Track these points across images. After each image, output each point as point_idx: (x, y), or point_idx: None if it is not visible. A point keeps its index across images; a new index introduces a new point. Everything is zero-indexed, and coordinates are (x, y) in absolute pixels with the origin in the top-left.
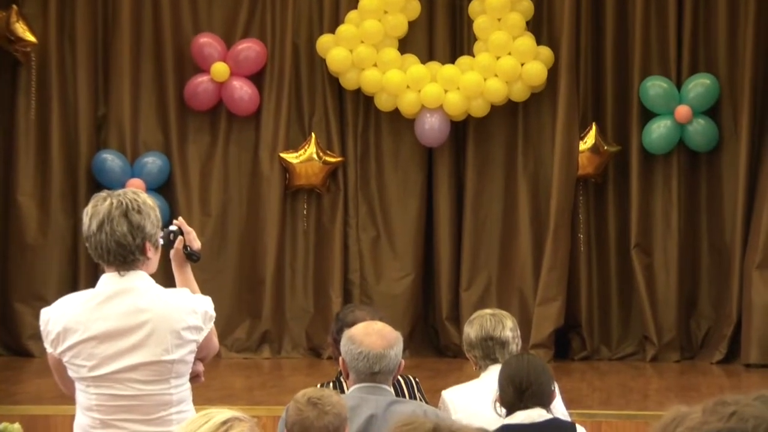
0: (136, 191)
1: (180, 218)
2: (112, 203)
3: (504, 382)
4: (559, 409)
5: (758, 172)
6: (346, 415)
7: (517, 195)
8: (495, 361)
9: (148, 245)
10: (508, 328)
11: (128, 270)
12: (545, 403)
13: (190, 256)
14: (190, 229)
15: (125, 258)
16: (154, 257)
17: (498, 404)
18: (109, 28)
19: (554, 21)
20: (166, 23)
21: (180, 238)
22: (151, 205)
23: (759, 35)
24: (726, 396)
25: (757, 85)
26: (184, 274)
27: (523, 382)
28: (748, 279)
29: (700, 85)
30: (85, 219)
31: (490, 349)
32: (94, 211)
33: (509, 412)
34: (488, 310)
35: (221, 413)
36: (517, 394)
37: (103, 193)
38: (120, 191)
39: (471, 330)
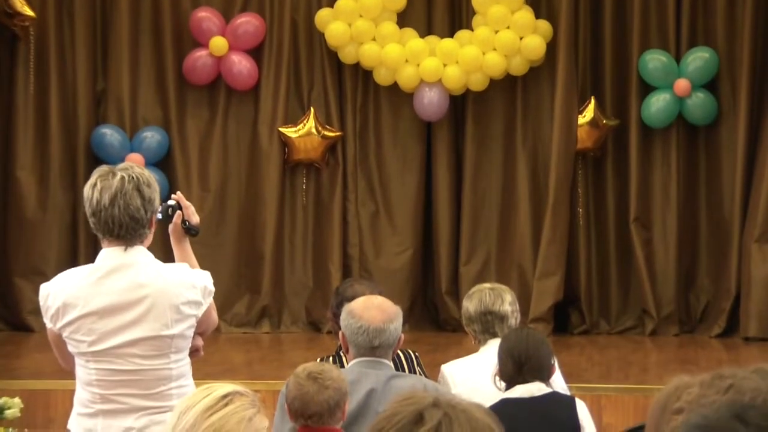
0: (136, 165)
1: (178, 193)
2: (123, 177)
3: (503, 355)
4: (558, 383)
5: (757, 146)
6: (347, 389)
7: (516, 169)
8: (494, 335)
9: (153, 219)
10: (507, 302)
11: (134, 245)
12: (544, 377)
13: (189, 230)
14: (188, 204)
15: (136, 231)
16: (151, 232)
17: (497, 378)
18: (108, 1)
19: None
20: None
21: (179, 212)
22: (153, 178)
23: (758, 8)
24: (723, 370)
25: (755, 58)
26: (183, 248)
27: (522, 356)
28: (747, 252)
29: (699, 58)
30: (93, 193)
31: (489, 323)
32: (105, 184)
33: (508, 386)
34: (487, 285)
35: (222, 387)
36: (516, 367)
37: (106, 168)
38: (124, 165)
39: (470, 304)
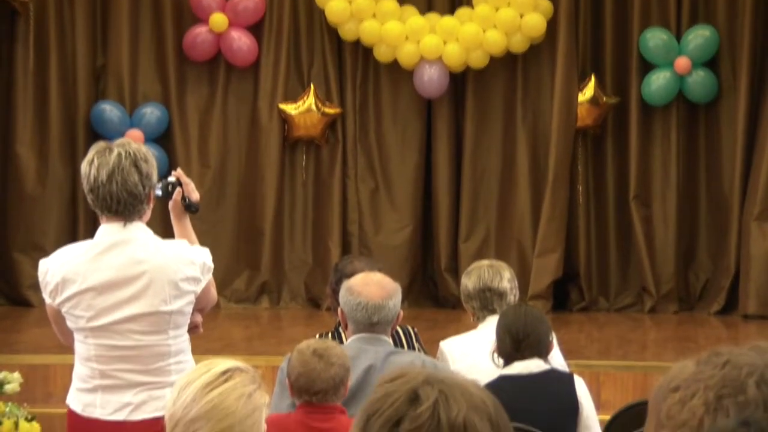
0: (133, 141)
1: (179, 169)
2: (120, 153)
3: (501, 332)
4: (557, 359)
5: (757, 124)
6: (350, 366)
7: (516, 147)
8: (493, 312)
9: (151, 194)
10: (505, 279)
11: (133, 220)
12: (543, 353)
13: (189, 207)
14: (188, 180)
15: (134, 207)
16: (150, 208)
17: (496, 355)
18: None
19: None
20: None
21: (178, 189)
22: (151, 154)
23: None
24: (720, 347)
25: (756, 36)
26: (183, 225)
27: (520, 332)
28: (747, 230)
29: (699, 36)
30: (90, 170)
31: (487, 300)
32: (102, 161)
33: (507, 363)
34: (486, 261)
35: (223, 363)
36: (514, 344)
37: (103, 144)
38: (121, 141)
39: (469, 281)
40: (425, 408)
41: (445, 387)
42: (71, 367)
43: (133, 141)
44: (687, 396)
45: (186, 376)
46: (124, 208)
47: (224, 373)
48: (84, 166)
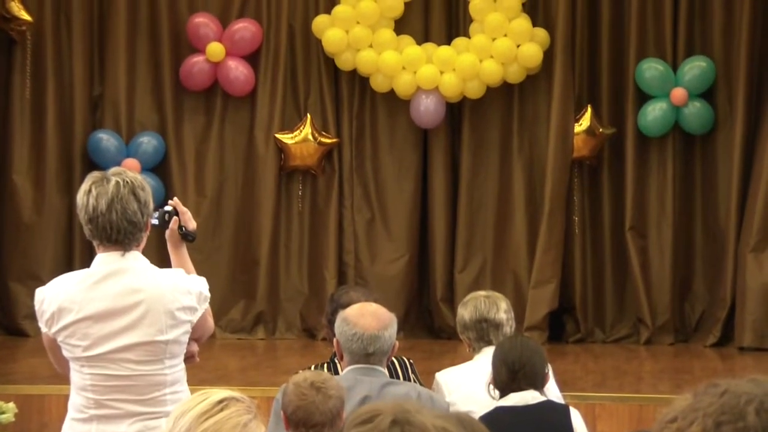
0: (128, 170)
1: (175, 198)
2: (119, 182)
3: (497, 363)
4: (552, 391)
5: (753, 155)
6: (345, 397)
7: (512, 177)
8: (489, 343)
9: (149, 223)
10: (502, 310)
11: (131, 249)
12: (538, 384)
13: (186, 236)
14: (185, 210)
15: (133, 236)
16: (146, 236)
17: (491, 386)
18: (105, 6)
19: (550, 2)
20: (161, 2)
21: (175, 218)
22: (146, 182)
23: (755, 17)
24: (717, 380)
25: (752, 67)
26: (180, 254)
27: (515, 363)
28: (743, 262)
29: (695, 67)
30: (89, 200)
31: (484, 331)
32: (101, 190)
33: (503, 394)
34: (482, 292)
35: (218, 393)
36: (510, 375)
37: (99, 174)
38: (116, 170)
39: (465, 312)
40: None
41: (413, 429)
42: (66, 397)
43: (128, 170)
44: (685, 425)
45: (181, 406)
46: (123, 237)
47: (220, 402)
48: (81, 197)
